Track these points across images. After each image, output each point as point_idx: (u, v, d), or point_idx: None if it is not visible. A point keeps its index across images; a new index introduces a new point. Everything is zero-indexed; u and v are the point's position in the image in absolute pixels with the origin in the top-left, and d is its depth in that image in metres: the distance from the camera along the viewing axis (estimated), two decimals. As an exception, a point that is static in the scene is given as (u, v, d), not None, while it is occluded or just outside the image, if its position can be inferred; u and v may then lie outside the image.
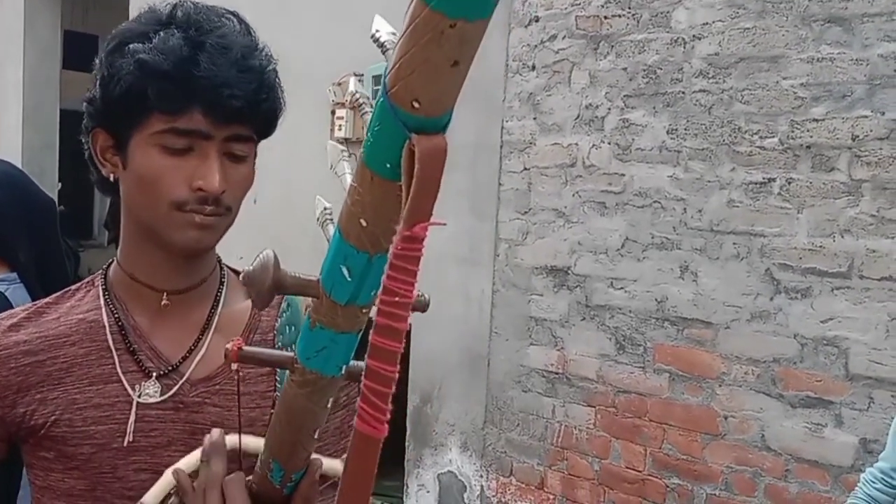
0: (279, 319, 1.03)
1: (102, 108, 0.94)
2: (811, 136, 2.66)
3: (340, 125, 3.99)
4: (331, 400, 0.64)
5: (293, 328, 1.01)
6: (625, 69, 3.13)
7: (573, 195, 3.29)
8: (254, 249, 0.59)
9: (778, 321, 2.74)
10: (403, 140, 0.44)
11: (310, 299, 0.56)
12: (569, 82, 3.31)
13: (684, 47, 2.97)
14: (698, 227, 2.94)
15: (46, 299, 1.03)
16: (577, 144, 3.28)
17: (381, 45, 0.47)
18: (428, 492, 3.82)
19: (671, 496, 3.01)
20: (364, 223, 0.49)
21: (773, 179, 2.75)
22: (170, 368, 0.97)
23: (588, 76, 3.25)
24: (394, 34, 0.47)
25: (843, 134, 2.59)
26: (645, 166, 3.08)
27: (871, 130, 2.54)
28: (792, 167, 2.71)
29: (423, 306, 0.58)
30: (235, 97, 0.90)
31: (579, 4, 3.28)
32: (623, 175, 3.14)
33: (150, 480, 0.94)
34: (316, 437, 0.68)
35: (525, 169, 3.46)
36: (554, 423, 3.36)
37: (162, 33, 0.90)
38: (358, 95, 0.54)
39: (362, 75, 3.73)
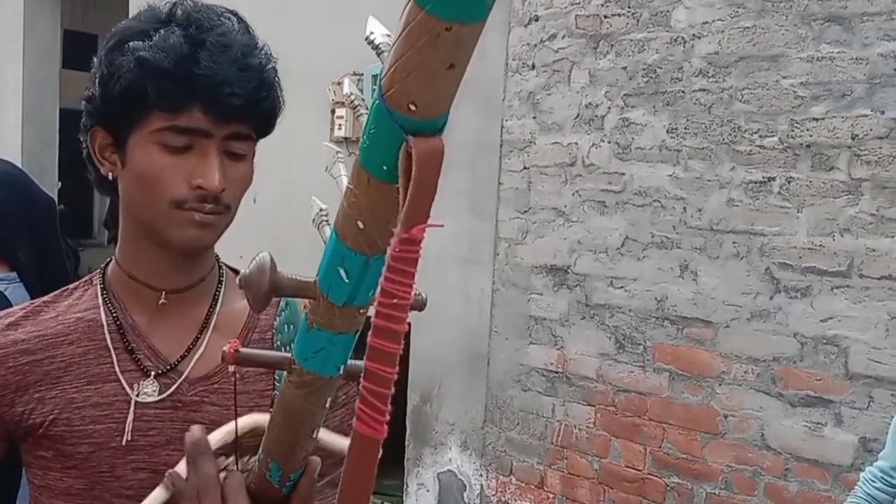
0: (277, 318, 1.03)
1: (102, 106, 0.93)
2: (811, 136, 2.66)
3: (340, 124, 3.99)
4: (329, 399, 0.64)
5: (292, 327, 1.02)
6: (624, 68, 3.13)
7: (573, 194, 3.29)
8: (253, 249, 0.59)
9: (778, 320, 2.74)
10: (400, 142, 0.44)
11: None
12: (568, 81, 3.31)
13: (684, 46, 2.97)
14: (698, 226, 2.94)
15: (44, 298, 1.03)
16: (576, 143, 3.28)
17: (376, 48, 0.47)
18: (428, 491, 3.82)
19: (671, 495, 3.01)
20: (361, 225, 0.49)
21: (773, 178, 2.75)
22: (168, 367, 0.97)
23: (588, 75, 3.25)
24: (388, 36, 0.47)
25: (843, 133, 2.59)
26: (645, 165, 3.08)
27: (871, 129, 2.54)
28: (792, 166, 2.71)
29: (420, 305, 0.58)
30: (236, 95, 0.90)
31: (579, 3, 3.28)
32: (623, 174, 3.14)
33: (148, 480, 0.94)
34: (314, 436, 0.68)
35: (525, 168, 3.46)
36: (554, 423, 3.36)
37: (162, 31, 0.90)
38: (353, 97, 0.54)
39: (362, 75, 3.73)
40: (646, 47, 3.07)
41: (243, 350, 0.63)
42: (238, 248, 1.25)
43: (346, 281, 0.52)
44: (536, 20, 3.43)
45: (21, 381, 0.96)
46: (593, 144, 3.23)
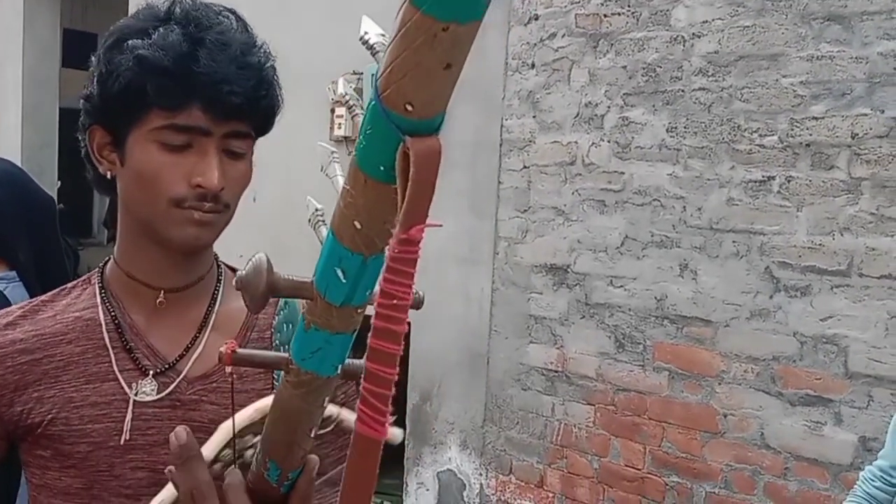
0: (276, 317, 1.03)
1: (100, 104, 0.93)
2: (811, 135, 2.66)
3: (340, 123, 4.00)
4: (327, 399, 0.64)
5: (290, 326, 1.01)
6: (624, 67, 3.13)
7: (573, 193, 3.29)
8: (253, 248, 0.59)
9: (777, 319, 2.74)
10: (397, 142, 0.44)
11: None
12: (568, 80, 3.31)
13: (684, 45, 2.97)
14: (698, 225, 2.94)
15: (42, 297, 1.03)
16: (576, 142, 3.28)
17: (371, 48, 0.47)
18: (427, 490, 3.82)
19: (670, 494, 3.01)
20: (358, 225, 0.49)
21: (773, 177, 2.75)
22: (167, 366, 0.97)
23: (587, 74, 3.25)
24: (383, 36, 0.47)
25: (843, 132, 2.59)
26: (644, 164, 3.08)
27: (871, 128, 2.54)
28: (791, 165, 2.71)
29: (417, 304, 0.58)
30: (235, 94, 0.90)
31: (579, 2, 3.28)
32: (622, 173, 3.14)
33: (146, 479, 0.94)
34: (312, 435, 0.68)
35: (525, 167, 3.46)
36: (553, 422, 3.37)
37: (161, 29, 0.90)
38: (348, 96, 0.54)
39: (361, 73, 3.73)
40: (645, 46, 3.07)
41: (240, 350, 0.63)
42: (238, 247, 1.25)
43: (344, 281, 0.52)
44: (536, 19, 3.42)
45: (20, 381, 0.96)
46: (593, 143, 3.23)
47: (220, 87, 0.89)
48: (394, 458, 3.80)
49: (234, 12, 0.97)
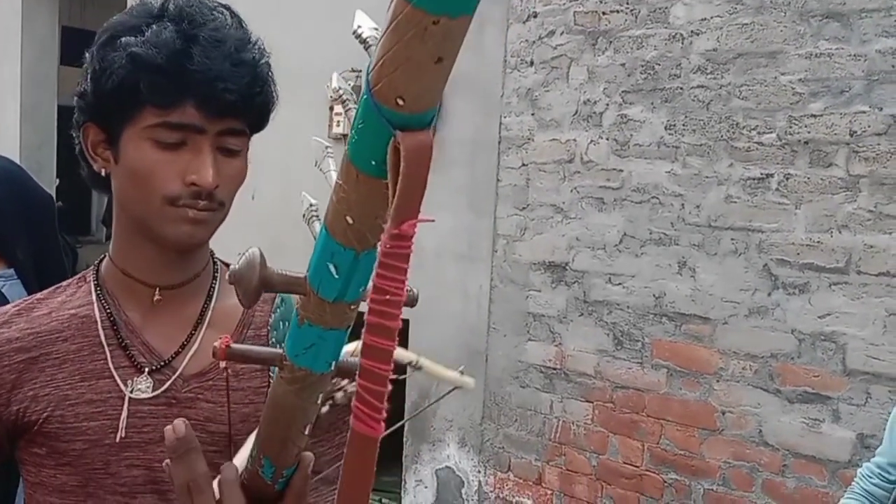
0: (273, 315, 1.02)
1: (94, 102, 0.93)
2: (809, 132, 2.66)
3: (338, 121, 3.99)
4: (320, 396, 0.64)
5: (287, 323, 1.01)
6: (623, 65, 3.13)
7: (571, 191, 3.29)
8: (251, 246, 0.59)
9: (776, 317, 2.74)
10: (388, 137, 0.44)
11: None
12: (567, 78, 3.31)
13: (682, 43, 2.97)
14: (696, 222, 2.94)
15: (37, 295, 1.02)
16: (575, 140, 3.28)
17: (364, 42, 0.47)
18: (426, 487, 3.82)
19: (669, 491, 3.01)
20: (350, 220, 0.49)
21: (771, 175, 2.75)
22: (162, 364, 0.96)
23: (586, 72, 3.24)
24: (376, 30, 0.47)
25: (841, 129, 2.59)
26: (643, 162, 3.07)
27: (869, 126, 2.54)
28: (790, 163, 2.71)
29: (411, 301, 0.58)
30: (229, 91, 0.89)
31: (577, 0, 3.27)
32: (621, 171, 3.14)
33: (141, 476, 0.94)
34: (306, 432, 0.68)
35: (523, 165, 3.46)
36: (552, 419, 3.37)
37: (154, 26, 0.90)
38: (341, 91, 0.53)
39: (360, 71, 3.72)
40: (644, 44, 3.07)
41: (234, 345, 0.63)
42: (236, 245, 1.25)
43: (336, 277, 0.52)
44: (535, 17, 3.42)
45: (17, 380, 0.95)
46: (591, 141, 3.23)
47: (214, 84, 0.88)
48: (392, 456, 3.80)
49: (228, 8, 0.97)
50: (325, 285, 0.53)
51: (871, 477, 1.84)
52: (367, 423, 0.48)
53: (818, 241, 2.64)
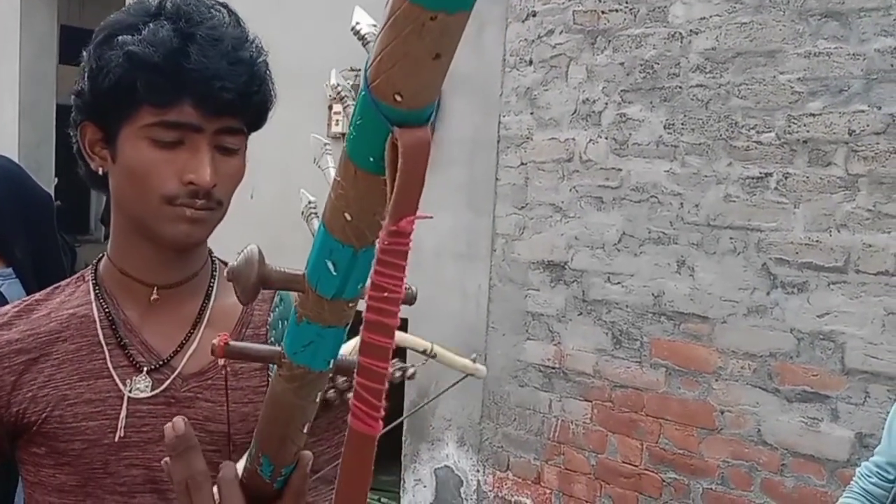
0: (272, 314, 1.02)
1: (91, 100, 0.93)
2: (808, 131, 2.66)
3: (338, 120, 3.99)
4: (319, 394, 0.64)
5: (286, 322, 1.00)
6: (622, 64, 3.13)
7: (570, 190, 3.29)
8: (250, 244, 0.58)
9: (774, 316, 2.74)
10: (386, 133, 0.44)
11: None
12: (566, 77, 3.31)
13: (681, 42, 2.97)
14: (695, 221, 2.94)
15: (36, 296, 1.02)
16: (574, 139, 3.28)
17: (362, 38, 0.47)
18: (425, 486, 3.82)
19: (667, 490, 3.01)
20: (348, 217, 0.49)
21: (770, 174, 2.75)
22: (161, 363, 0.96)
23: (585, 71, 3.24)
24: (374, 26, 0.47)
25: (840, 128, 2.59)
26: (642, 161, 3.07)
27: (868, 125, 2.54)
28: (789, 162, 2.71)
29: (410, 299, 0.57)
30: (226, 89, 0.89)
31: (576, -1, 3.27)
32: (620, 170, 3.14)
33: (140, 476, 0.94)
34: (305, 431, 0.68)
35: (522, 164, 3.46)
36: (550, 418, 3.37)
37: (151, 25, 0.89)
38: (340, 88, 0.53)
39: (359, 70, 3.72)
40: (643, 43, 3.07)
41: (233, 343, 0.63)
42: (235, 244, 1.25)
43: (335, 274, 0.52)
44: (534, 16, 3.42)
45: (17, 382, 0.95)
46: (590, 140, 3.23)
47: (212, 83, 0.88)
48: (391, 455, 3.80)
49: (226, 6, 0.96)
50: (323, 282, 0.53)
51: (869, 476, 1.84)
52: (365, 420, 0.48)
53: (817, 241, 2.64)
